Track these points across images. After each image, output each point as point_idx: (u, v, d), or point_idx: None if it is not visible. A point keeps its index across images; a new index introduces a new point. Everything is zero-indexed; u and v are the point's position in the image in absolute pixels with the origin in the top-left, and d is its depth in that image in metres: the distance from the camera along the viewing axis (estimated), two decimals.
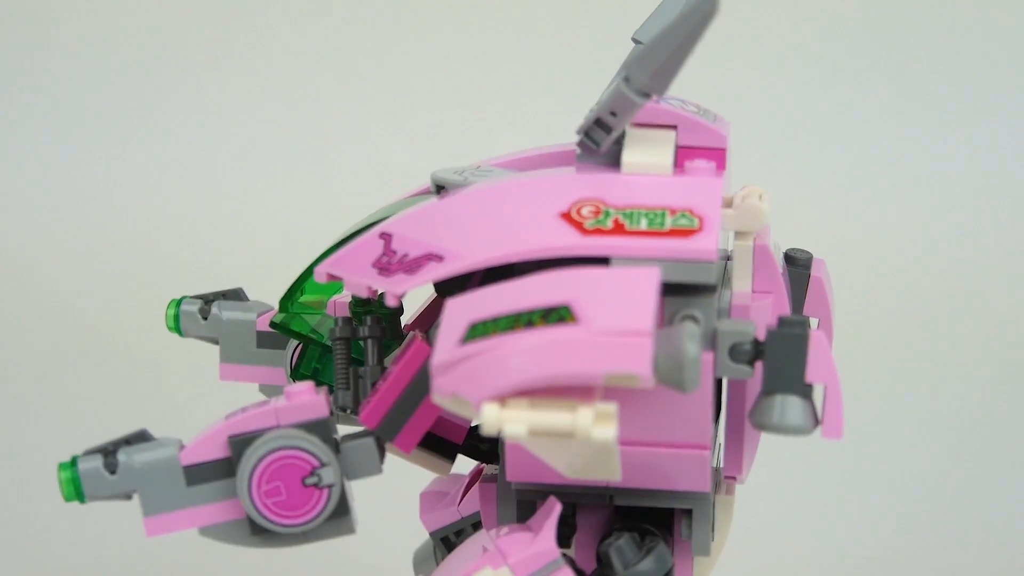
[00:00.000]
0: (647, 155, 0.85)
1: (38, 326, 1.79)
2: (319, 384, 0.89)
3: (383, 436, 0.88)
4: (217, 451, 0.87)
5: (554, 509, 0.84)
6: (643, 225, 0.82)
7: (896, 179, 1.94)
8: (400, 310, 0.92)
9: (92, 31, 2.10)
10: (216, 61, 2.06)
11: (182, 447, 0.88)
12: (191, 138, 2.02)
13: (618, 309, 0.76)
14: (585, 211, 0.82)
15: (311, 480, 0.86)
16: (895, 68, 2.00)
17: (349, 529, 0.89)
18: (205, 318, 1.01)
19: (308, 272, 0.90)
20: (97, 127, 2.05)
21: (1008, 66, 2.02)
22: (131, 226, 1.93)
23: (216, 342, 1.02)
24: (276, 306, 0.94)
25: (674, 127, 0.86)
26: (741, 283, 0.87)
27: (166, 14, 2.10)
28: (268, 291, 1.03)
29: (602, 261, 0.81)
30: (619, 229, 0.82)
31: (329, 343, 0.92)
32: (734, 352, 0.82)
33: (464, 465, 0.98)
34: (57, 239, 1.93)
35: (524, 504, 0.88)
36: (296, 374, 0.95)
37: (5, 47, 2.11)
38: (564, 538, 0.88)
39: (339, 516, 0.88)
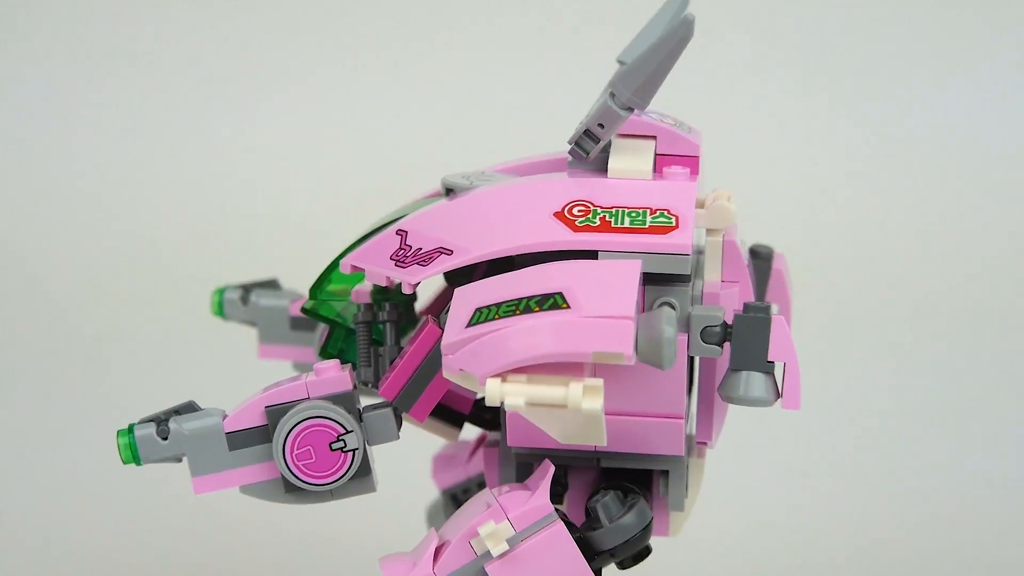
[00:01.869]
0: (630, 162, 0.85)
1: (98, 314, 1.79)
2: (344, 362, 0.89)
3: (400, 407, 0.88)
4: (255, 419, 0.87)
5: (548, 470, 0.85)
6: (627, 223, 0.82)
7: (848, 181, 1.94)
8: (414, 297, 0.93)
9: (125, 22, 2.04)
10: (235, 69, 2.01)
11: (225, 416, 0.88)
12: (228, 145, 2.00)
13: (604, 296, 0.76)
14: (576, 211, 0.83)
15: (337, 445, 0.86)
16: (850, 82, 1.99)
17: (370, 488, 0.89)
18: (245, 304, 1.02)
19: (334, 264, 0.91)
20: (124, 126, 2.00)
21: (971, 62, 1.99)
22: (176, 225, 1.92)
23: (254, 325, 1.03)
24: (306, 294, 0.95)
25: (654, 137, 0.87)
26: (711, 274, 0.87)
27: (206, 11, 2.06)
28: (299, 280, 1.04)
29: (591, 254, 0.82)
30: (606, 226, 0.82)
31: (353, 326, 0.92)
32: (705, 334, 0.83)
33: (470, 432, 0.99)
34: (101, 232, 1.90)
35: (522, 466, 0.89)
36: (324, 353, 0.95)
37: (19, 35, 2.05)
38: (557, 496, 0.88)
39: (361, 476, 0.87)
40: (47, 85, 2.03)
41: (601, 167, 0.85)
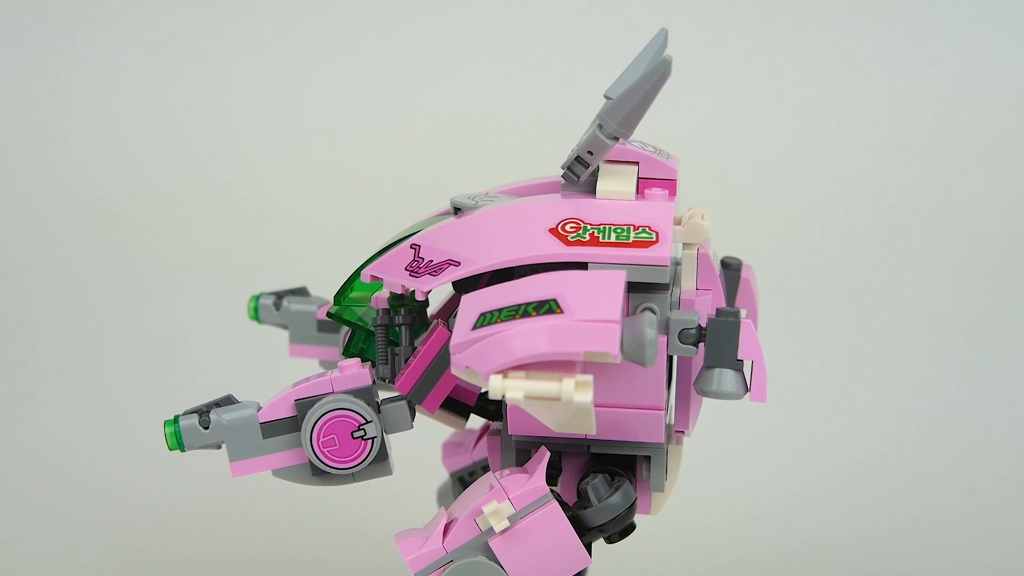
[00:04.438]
0: (616, 184, 0.85)
1: (151, 320, 1.77)
2: (364, 360, 0.89)
3: (414, 400, 0.88)
4: (286, 411, 0.87)
5: (544, 456, 0.85)
6: (613, 238, 0.82)
7: (812, 197, 1.91)
8: (426, 303, 0.93)
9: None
10: (253, 89, 1.97)
11: (259, 408, 0.88)
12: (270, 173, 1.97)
13: (594, 303, 0.76)
14: (568, 227, 0.83)
15: (358, 433, 0.87)
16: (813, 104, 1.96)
17: (387, 471, 0.89)
18: (277, 309, 1.02)
19: (356, 274, 0.91)
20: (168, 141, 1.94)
21: (937, 76, 1.94)
22: (212, 240, 1.89)
23: (286, 327, 1.03)
24: (332, 300, 0.95)
25: (636, 163, 0.87)
26: (688, 282, 0.87)
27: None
28: (325, 288, 1.04)
29: (581, 265, 0.82)
30: (594, 241, 0.83)
31: (372, 329, 0.92)
32: (682, 335, 0.83)
33: (476, 422, 0.98)
34: (152, 249, 1.87)
35: (521, 452, 0.89)
36: (347, 352, 0.94)
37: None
38: (552, 479, 0.89)
39: (379, 461, 0.88)
40: (87, 104, 1.96)
41: (590, 189, 0.86)
